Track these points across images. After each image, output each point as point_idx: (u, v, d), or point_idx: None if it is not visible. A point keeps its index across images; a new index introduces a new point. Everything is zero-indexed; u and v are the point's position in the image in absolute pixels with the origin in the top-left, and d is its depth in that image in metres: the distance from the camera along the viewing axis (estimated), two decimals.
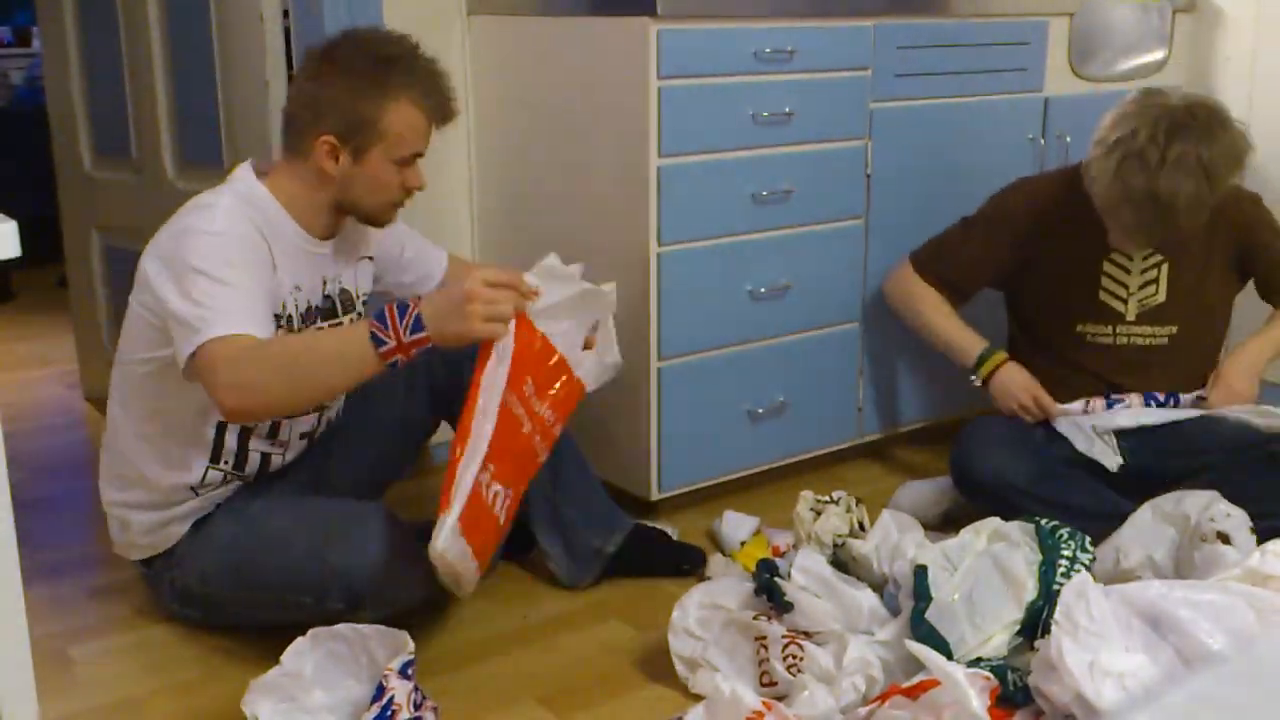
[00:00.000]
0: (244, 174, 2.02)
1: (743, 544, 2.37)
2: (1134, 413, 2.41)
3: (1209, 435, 2.42)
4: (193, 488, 2.04)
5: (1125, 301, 2.46)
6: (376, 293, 2.24)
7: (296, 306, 2.02)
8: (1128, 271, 2.44)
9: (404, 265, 2.27)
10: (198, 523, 2.06)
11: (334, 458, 2.20)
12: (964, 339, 2.54)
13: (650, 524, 2.42)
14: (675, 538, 2.46)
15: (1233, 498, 2.22)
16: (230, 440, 2.05)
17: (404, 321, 1.81)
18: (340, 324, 2.12)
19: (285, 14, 2.59)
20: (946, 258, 2.60)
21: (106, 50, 3.02)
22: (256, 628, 2.06)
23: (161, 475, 2.03)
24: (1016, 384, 2.45)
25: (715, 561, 2.32)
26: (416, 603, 2.03)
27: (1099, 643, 1.67)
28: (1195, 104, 2.28)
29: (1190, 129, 2.22)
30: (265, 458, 2.10)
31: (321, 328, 2.07)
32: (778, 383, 2.62)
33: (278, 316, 1.98)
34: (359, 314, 2.15)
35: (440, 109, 2.04)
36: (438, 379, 2.21)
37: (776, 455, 2.68)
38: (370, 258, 2.20)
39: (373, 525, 1.95)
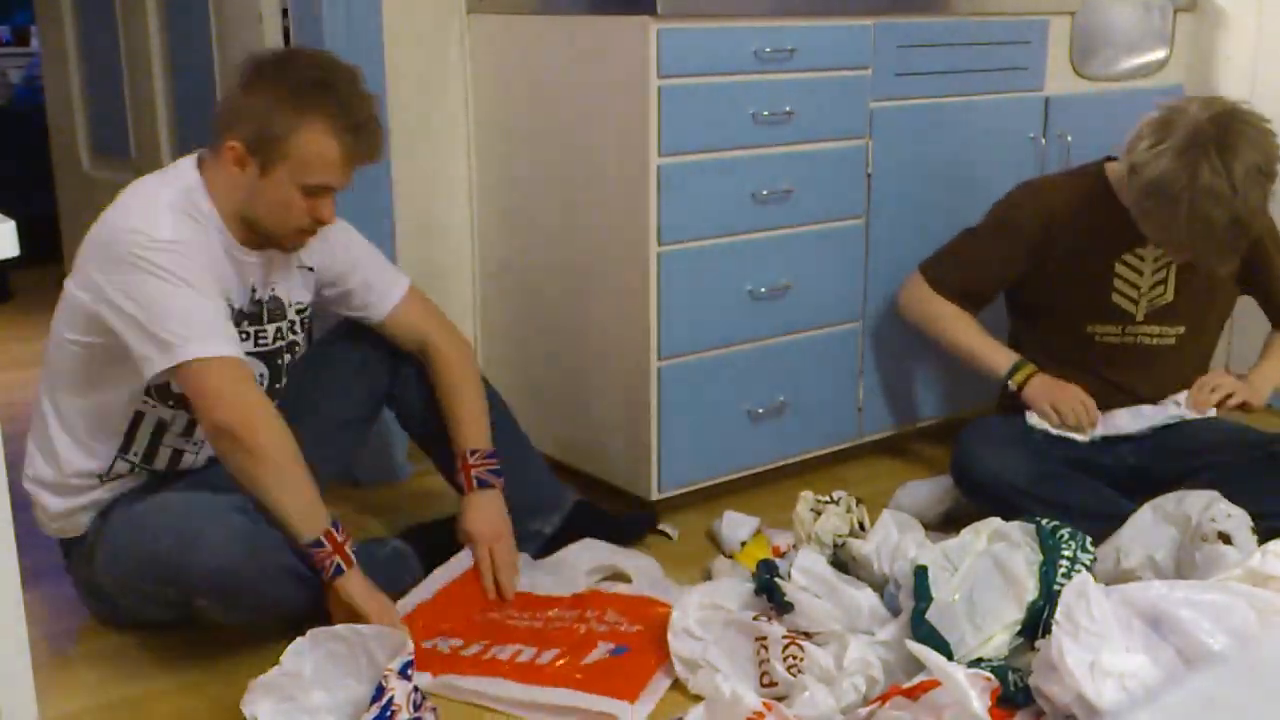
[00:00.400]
0: (189, 169, 2.01)
1: (743, 544, 2.36)
2: (1134, 416, 2.40)
3: (1209, 435, 2.42)
4: (99, 475, 2.03)
5: (1136, 302, 2.45)
6: (314, 304, 2.20)
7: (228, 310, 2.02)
8: (1140, 273, 2.43)
9: (350, 290, 2.20)
10: (103, 513, 2.04)
11: None
12: (993, 355, 2.52)
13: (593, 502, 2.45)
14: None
15: (1233, 497, 2.22)
16: (144, 433, 2.04)
17: (330, 562, 1.92)
18: (265, 331, 2.10)
19: (284, 13, 2.59)
20: (961, 269, 2.57)
21: (105, 50, 3.02)
22: (144, 625, 2.07)
23: (71, 458, 2.02)
24: (1059, 386, 2.44)
25: (719, 563, 2.32)
26: (274, 612, 1.98)
27: (1100, 643, 1.67)
28: (1214, 114, 2.24)
29: (1235, 143, 2.20)
30: (177, 454, 2.09)
31: (248, 332, 2.07)
32: (778, 382, 2.62)
33: None
34: (290, 323, 2.13)
35: (357, 147, 1.97)
36: (377, 380, 2.24)
37: (776, 455, 2.67)
38: (310, 269, 2.15)
39: (222, 522, 1.88)
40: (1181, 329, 2.47)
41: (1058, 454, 2.37)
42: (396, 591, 2.06)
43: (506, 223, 2.76)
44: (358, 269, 2.19)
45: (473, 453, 2.21)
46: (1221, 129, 2.21)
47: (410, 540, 2.24)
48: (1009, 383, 2.48)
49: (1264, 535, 2.03)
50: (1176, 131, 2.23)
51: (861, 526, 2.25)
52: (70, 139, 3.21)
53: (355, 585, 1.92)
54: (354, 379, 2.24)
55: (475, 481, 2.20)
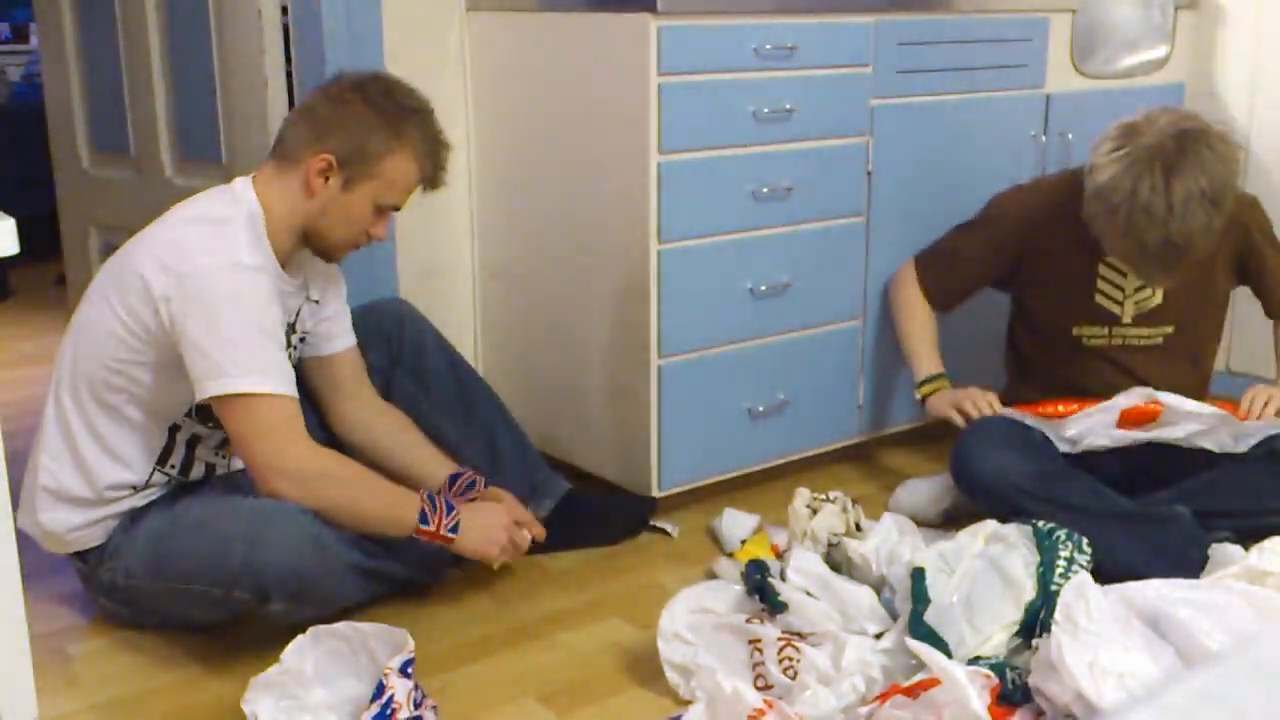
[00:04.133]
0: (247, 193, 2.02)
1: (743, 542, 2.36)
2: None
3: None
4: (134, 486, 2.04)
5: (1121, 305, 2.46)
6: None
7: None
8: (1124, 274, 2.43)
9: (318, 318, 2.22)
10: (132, 516, 2.05)
11: None
12: (919, 359, 2.60)
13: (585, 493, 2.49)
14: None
15: (1232, 494, 2.22)
16: (180, 446, 2.06)
17: (448, 521, 2.03)
18: (289, 358, 2.11)
19: (284, 10, 2.59)
20: (941, 263, 2.63)
21: (105, 47, 3.02)
22: (182, 626, 2.06)
23: (104, 471, 2.01)
24: (946, 399, 2.51)
25: (721, 562, 2.32)
26: (336, 607, 2.00)
27: (1099, 642, 1.67)
28: (1179, 131, 2.22)
29: (1183, 163, 2.18)
30: (210, 467, 2.13)
31: None
32: (778, 381, 2.62)
33: None
34: (293, 349, 2.15)
35: (433, 176, 2.10)
36: (381, 393, 2.30)
37: (777, 453, 2.67)
38: (317, 301, 2.19)
39: (290, 524, 1.91)
40: (1169, 329, 2.47)
41: (1058, 453, 2.36)
42: (428, 573, 2.18)
43: (506, 220, 2.76)
44: (332, 300, 2.24)
45: (453, 478, 2.24)
46: (1179, 147, 2.19)
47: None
48: (915, 391, 2.57)
49: (1263, 533, 2.04)
50: (1137, 141, 2.23)
51: (858, 526, 2.25)
52: (70, 137, 3.20)
53: (467, 539, 2.06)
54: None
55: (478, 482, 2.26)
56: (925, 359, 2.59)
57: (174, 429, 2.04)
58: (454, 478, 2.23)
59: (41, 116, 3.33)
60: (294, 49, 2.59)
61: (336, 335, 2.24)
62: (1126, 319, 2.46)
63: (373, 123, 2.01)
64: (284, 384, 1.93)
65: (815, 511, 2.24)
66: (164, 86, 2.89)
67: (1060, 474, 2.31)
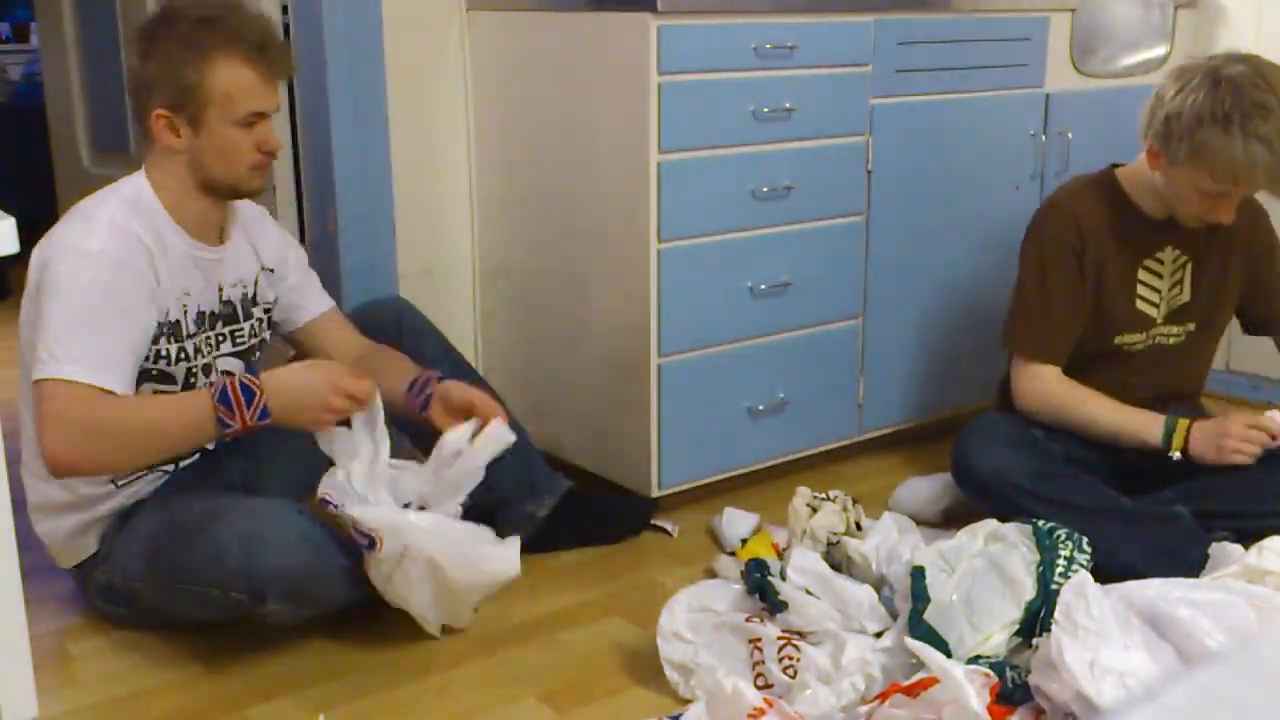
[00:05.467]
0: (135, 178, 2.00)
1: (744, 541, 2.36)
2: None
3: None
4: (112, 480, 2.02)
5: (1158, 305, 2.43)
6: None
7: (185, 312, 2.02)
8: (1160, 276, 2.41)
9: (284, 289, 2.21)
10: (123, 517, 2.04)
11: (264, 460, 2.17)
12: (1135, 417, 2.34)
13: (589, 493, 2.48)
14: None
15: (1232, 494, 2.22)
16: None
17: (251, 409, 1.87)
18: (241, 330, 2.11)
19: (284, 9, 2.59)
20: (1051, 330, 2.40)
21: (105, 46, 3.02)
22: (181, 626, 2.06)
23: None
24: (1210, 445, 2.26)
25: (721, 560, 2.32)
26: (333, 607, 1.99)
27: (1099, 641, 1.67)
28: (1229, 54, 2.24)
29: (1264, 66, 2.19)
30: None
31: (224, 334, 2.08)
32: (778, 379, 2.62)
33: (163, 325, 1.97)
34: (259, 320, 2.15)
35: (266, 60, 1.97)
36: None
37: (777, 452, 2.68)
38: (271, 270, 2.17)
39: (287, 524, 1.91)
40: (1191, 326, 2.46)
41: (1058, 452, 2.36)
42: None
43: (507, 219, 2.76)
44: (293, 275, 2.22)
45: (410, 386, 2.18)
46: (1250, 60, 2.20)
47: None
48: (1170, 452, 2.28)
49: (1264, 534, 2.03)
50: (1205, 68, 2.21)
51: (858, 526, 2.25)
52: (70, 136, 3.21)
53: (287, 417, 1.91)
54: None
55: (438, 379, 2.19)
56: (1139, 417, 2.32)
57: None
58: (410, 385, 2.18)
59: (42, 115, 3.33)
60: (294, 49, 2.59)
61: (306, 304, 2.24)
62: (1160, 319, 2.44)
63: (173, 56, 1.93)
64: (87, 371, 1.82)
65: (815, 510, 2.24)
66: None
67: (1061, 473, 2.31)
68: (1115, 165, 2.44)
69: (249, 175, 2.02)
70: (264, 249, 2.15)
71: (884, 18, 2.60)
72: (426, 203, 2.76)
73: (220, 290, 2.07)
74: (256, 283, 2.13)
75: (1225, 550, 2.08)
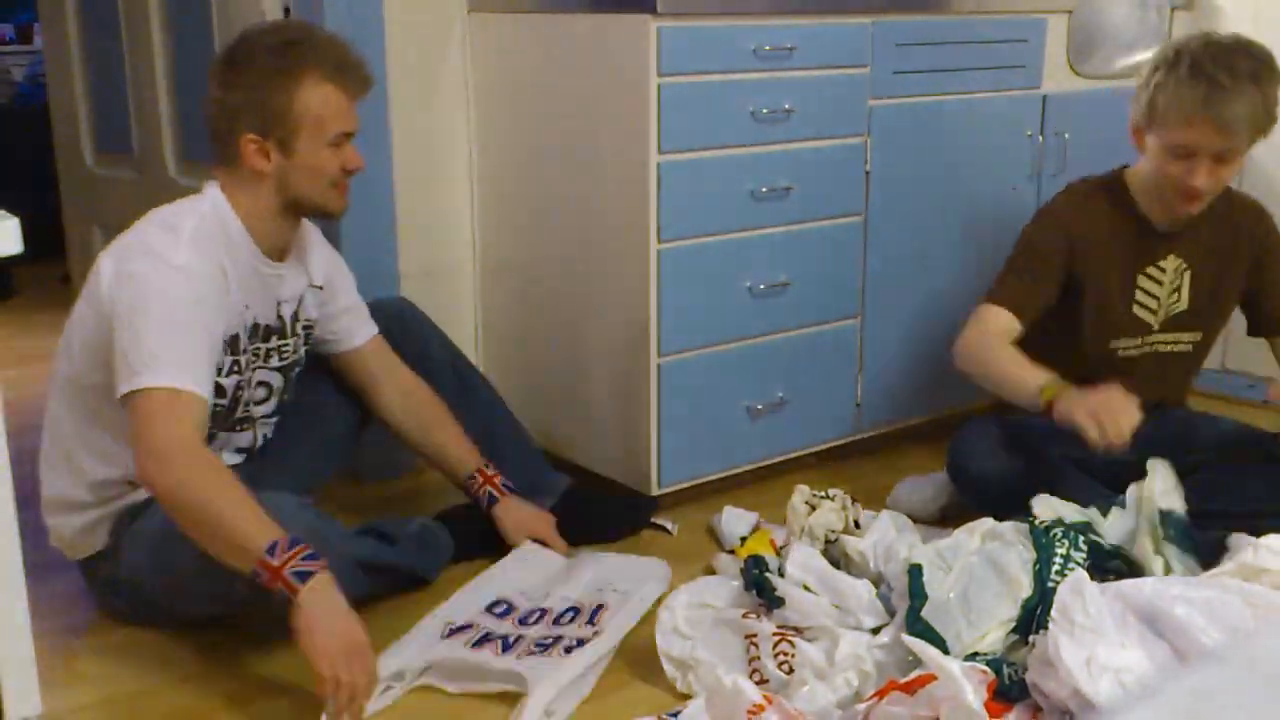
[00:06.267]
0: (212, 191, 2.02)
1: (743, 539, 2.37)
2: None
3: (1208, 432, 2.42)
4: (130, 481, 2.04)
5: (1156, 312, 2.44)
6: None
7: (244, 324, 2.04)
8: (1160, 284, 2.42)
9: (333, 312, 2.24)
10: (133, 514, 2.05)
11: (266, 466, 2.18)
12: (1025, 371, 2.29)
13: (591, 489, 2.51)
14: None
15: (1229, 496, 2.22)
16: None
17: (296, 565, 1.76)
18: (287, 345, 2.13)
19: (286, 11, 2.60)
20: (1021, 287, 2.41)
21: (108, 47, 3.03)
22: (184, 622, 2.07)
23: (98, 469, 2.03)
24: (1080, 405, 2.18)
25: (720, 558, 2.33)
26: (353, 599, 1.95)
27: (1095, 639, 1.67)
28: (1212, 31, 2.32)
29: (1228, 43, 2.27)
30: None
31: (274, 347, 2.11)
32: (777, 379, 2.63)
33: (226, 339, 1.99)
34: (300, 337, 2.17)
35: (352, 79, 2.02)
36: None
37: (776, 451, 2.68)
38: (320, 287, 2.20)
39: (292, 518, 1.89)
40: (1198, 335, 2.46)
41: (1054, 452, 2.37)
42: (429, 572, 2.14)
43: (507, 220, 2.77)
44: (343, 294, 2.25)
45: (487, 465, 2.31)
46: (1219, 37, 2.29)
47: (442, 522, 2.30)
48: (1038, 400, 2.23)
49: (1261, 535, 2.04)
50: (1177, 40, 2.32)
51: (856, 524, 2.25)
52: (73, 136, 3.21)
53: (299, 616, 1.75)
54: (339, 386, 2.31)
55: (504, 488, 2.30)
56: (1030, 371, 2.28)
57: None
58: (472, 476, 2.30)
59: (45, 117, 3.34)
60: None
61: (357, 329, 2.27)
62: (1157, 326, 2.45)
63: (261, 81, 1.96)
64: (187, 379, 1.85)
65: (814, 508, 2.25)
66: (167, 87, 2.90)
67: (1057, 474, 2.31)
68: (1126, 167, 2.44)
69: (332, 196, 2.06)
70: (314, 267, 2.18)
71: (882, 19, 2.60)
72: (428, 203, 2.77)
73: (278, 305, 2.10)
74: (302, 300, 2.15)
75: (1241, 540, 2.07)
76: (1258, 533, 2.05)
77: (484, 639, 1.98)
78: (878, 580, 2.08)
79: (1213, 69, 2.21)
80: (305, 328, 2.19)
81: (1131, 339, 2.44)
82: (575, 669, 1.87)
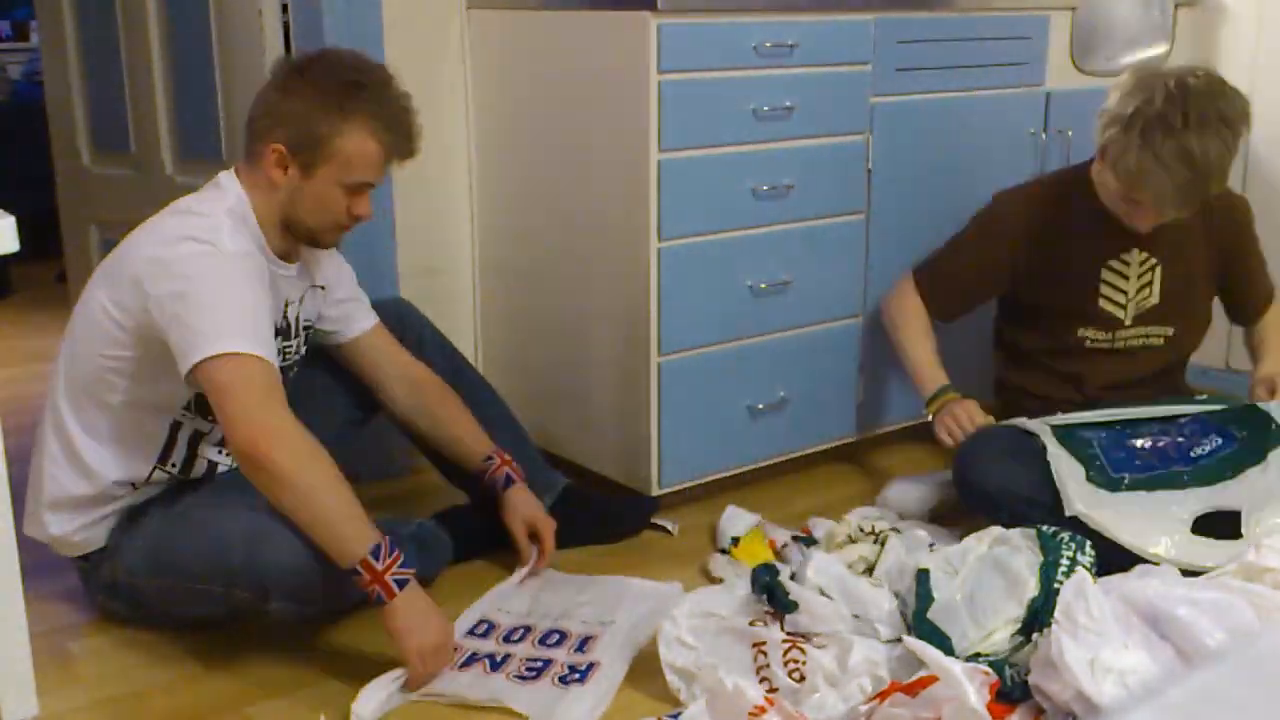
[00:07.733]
0: (231, 184, 2.01)
1: (736, 539, 2.35)
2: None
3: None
4: (134, 484, 2.03)
5: (1124, 307, 2.45)
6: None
7: None
8: (1125, 277, 2.43)
9: (327, 306, 2.23)
10: (132, 515, 2.04)
11: None
12: (924, 371, 2.51)
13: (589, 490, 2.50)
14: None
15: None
16: (181, 444, 2.05)
17: (396, 571, 1.84)
18: (290, 345, 2.12)
19: (284, 8, 2.59)
20: (941, 280, 2.58)
21: (105, 45, 3.02)
22: (183, 624, 2.06)
23: (105, 470, 2.01)
24: (939, 422, 2.44)
25: (715, 559, 2.32)
26: (336, 606, 1.99)
27: (1099, 640, 1.67)
28: (1191, 69, 2.30)
29: (1199, 89, 2.22)
30: (212, 465, 2.11)
31: (278, 348, 2.08)
32: (778, 378, 2.62)
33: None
34: (301, 339, 2.16)
35: (399, 145, 2.02)
36: (362, 383, 2.30)
37: (777, 451, 2.68)
38: (322, 287, 2.19)
39: (291, 525, 1.88)
40: (1170, 331, 2.47)
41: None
42: (427, 574, 2.08)
43: (507, 218, 2.76)
44: (341, 287, 2.24)
45: (498, 452, 2.30)
46: (1192, 76, 2.25)
47: (441, 523, 2.28)
48: (925, 411, 2.49)
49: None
50: (1147, 71, 2.31)
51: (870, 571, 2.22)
52: (70, 134, 3.20)
53: (397, 618, 1.85)
54: (340, 382, 2.29)
55: (514, 475, 2.29)
56: (928, 373, 2.50)
57: (175, 426, 2.03)
58: (487, 459, 2.29)
59: (42, 114, 3.33)
60: (294, 48, 2.59)
61: (358, 318, 2.26)
62: (1128, 321, 2.46)
63: (317, 104, 1.95)
64: (265, 349, 1.86)
65: (853, 540, 2.24)
66: (164, 85, 2.89)
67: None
68: (1093, 160, 2.45)
69: (328, 231, 2.06)
70: (316, 268, 2.17)
71: (884, 16, 2.59)
72: (427, 202, 2.76)
73: (285, 305, 2.09)
74: (302, 300, 2.15)
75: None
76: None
77: (470, 660, 1.97)
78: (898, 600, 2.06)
79: (1161, 145, 2.19)
80: (305, 328, 2.18)
81: (1100, 331, 2.46)
82: (579, 713, 1.84)
